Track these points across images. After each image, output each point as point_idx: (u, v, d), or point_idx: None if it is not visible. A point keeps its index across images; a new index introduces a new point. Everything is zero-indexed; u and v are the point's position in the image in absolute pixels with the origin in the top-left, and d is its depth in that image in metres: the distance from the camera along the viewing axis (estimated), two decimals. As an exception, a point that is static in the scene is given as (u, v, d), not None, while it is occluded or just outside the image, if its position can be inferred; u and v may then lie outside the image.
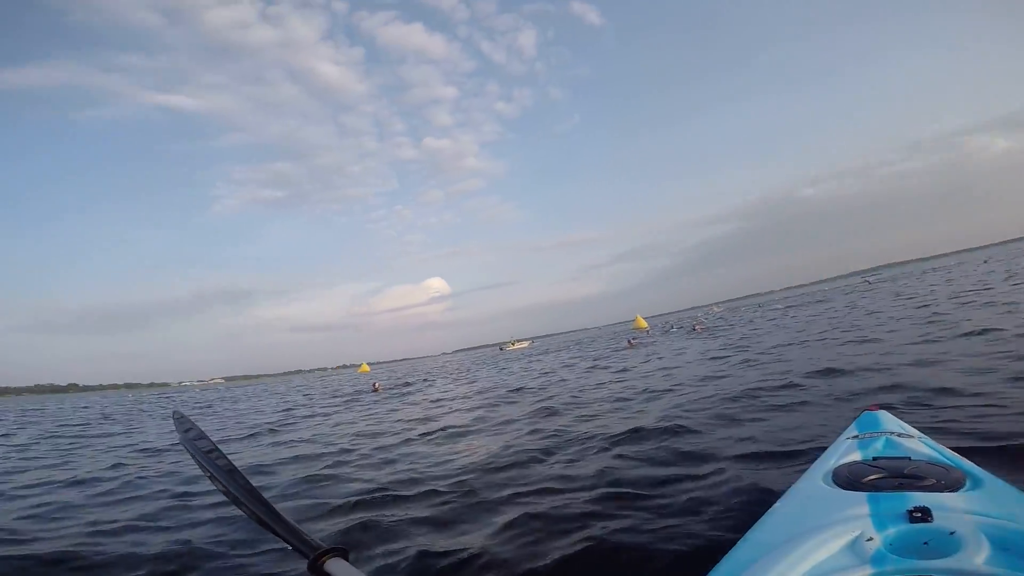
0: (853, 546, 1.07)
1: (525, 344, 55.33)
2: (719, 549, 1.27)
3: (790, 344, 9.94)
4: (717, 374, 7.49)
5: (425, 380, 19.38)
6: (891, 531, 1.08)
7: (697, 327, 24.21)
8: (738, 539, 1.24)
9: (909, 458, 1.51)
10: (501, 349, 52.37)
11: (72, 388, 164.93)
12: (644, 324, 40.26)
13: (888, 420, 1.96)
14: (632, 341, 21.36)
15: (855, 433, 1.87)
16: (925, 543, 1.02)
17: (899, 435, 1.76)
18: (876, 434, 1.79)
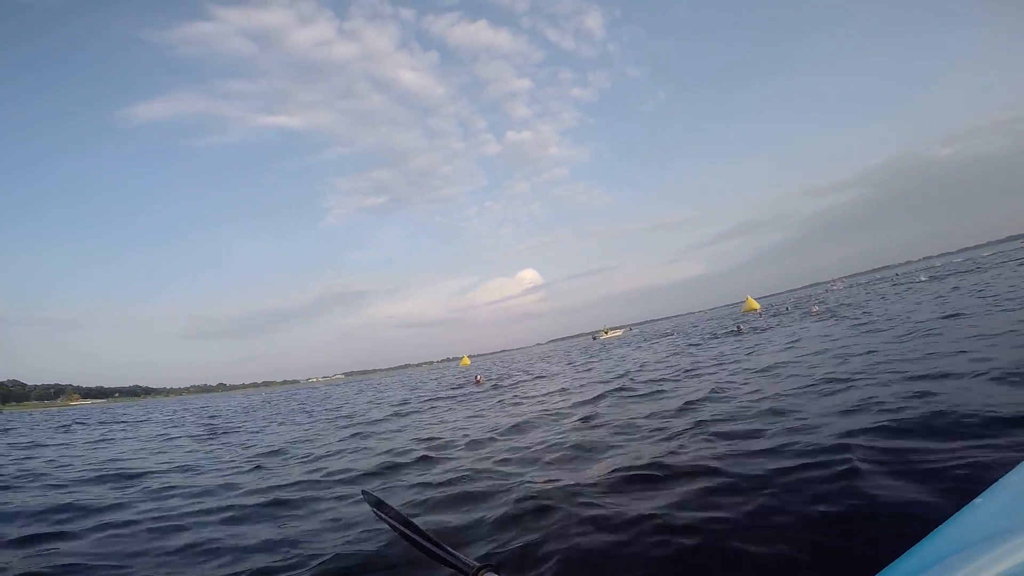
0: None
1: (619, 332, 53.57)
2: (905, 540, 1.11)
3: (946, 324, 8.39)
4: (850, 372, 6.48)
5: (524, 373, 19.42)
6: None
7: (813, 309, 21.82)
8: (927, 532, 1.09)
9: None
10: (594, 338, 51.25)
11: (220, 388, 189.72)
12: (756, 305, 37.23)
13: None
14: (742, 326, 19.70)
15: None
16: None
17: None
18: None
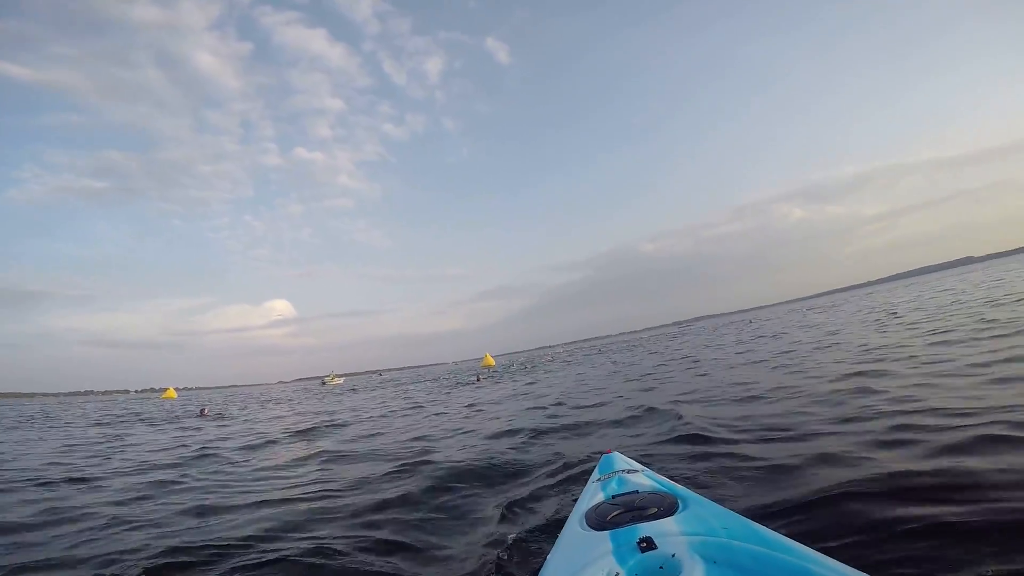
0: None
1: (341, 380, 54.78)
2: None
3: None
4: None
5: (242, 409, 17.48)
6: (630, 563, 1.18)
7: (526, 365, 28.42)
8: None
9: (637, 492, 1.69)
10: (323, 383, 50.60)
11: None
12: (492, 362, 41.52)
13: (619, 460, 2.13)
14: (480, 377, 22.82)
15: (598, 476, 2.01)
16: (660, 567, 1.13)
17: (628, 472, 1.95)
18: (612, 474, 1.95)
